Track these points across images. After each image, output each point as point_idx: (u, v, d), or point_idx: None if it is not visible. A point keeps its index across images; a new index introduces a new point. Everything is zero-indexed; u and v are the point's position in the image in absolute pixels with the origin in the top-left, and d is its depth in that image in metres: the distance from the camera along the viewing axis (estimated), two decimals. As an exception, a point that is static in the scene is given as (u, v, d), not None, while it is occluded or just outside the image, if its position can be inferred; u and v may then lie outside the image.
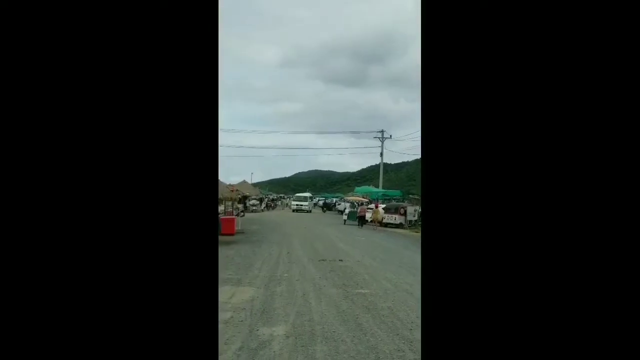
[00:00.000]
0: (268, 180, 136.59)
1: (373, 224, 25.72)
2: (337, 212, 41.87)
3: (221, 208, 20.81)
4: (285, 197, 67.79)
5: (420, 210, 30.51)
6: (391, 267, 10.45)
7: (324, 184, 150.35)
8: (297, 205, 42.88)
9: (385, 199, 35.54)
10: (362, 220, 26.00)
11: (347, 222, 27.68)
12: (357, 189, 45.27)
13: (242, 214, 26.19)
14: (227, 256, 10.88)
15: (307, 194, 51.66)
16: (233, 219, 17.87)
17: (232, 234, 16.33)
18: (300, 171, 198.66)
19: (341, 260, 11.14)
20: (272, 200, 52.55)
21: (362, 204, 31.80)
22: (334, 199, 53.58)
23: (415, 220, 28.42)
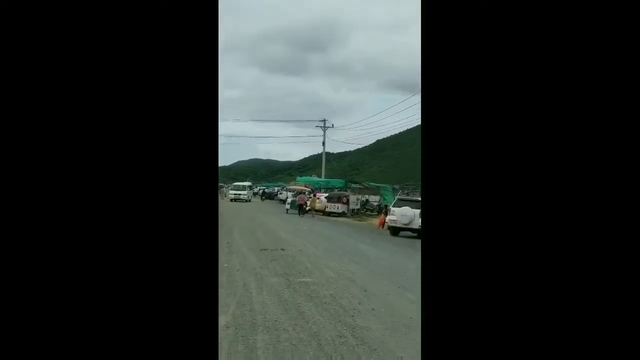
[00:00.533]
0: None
1: (311, 212, 25.91)
2: (278, 201, 41.72)
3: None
4: (225, 186, 66.64)
5: (362, 199, 31.10)
6: (334, 256, 10.49)
7: (265, 173, 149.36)
8: (234, 194, 42.08)
9: (327, 188, 35.86)
10: (301, 209, 26.16)
11: (290, 211, 27.69)
12: (299, 178, 45.45)
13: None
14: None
15: (247, 183, 50.97)
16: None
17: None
18: (241, 159, 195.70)
19: (283, 250, 11.02)
20: (212, 189, 51.29)
21: (303, 192, 31.99)
22: (276, 188, 53.34)
23: (358, 209, 28.86)
